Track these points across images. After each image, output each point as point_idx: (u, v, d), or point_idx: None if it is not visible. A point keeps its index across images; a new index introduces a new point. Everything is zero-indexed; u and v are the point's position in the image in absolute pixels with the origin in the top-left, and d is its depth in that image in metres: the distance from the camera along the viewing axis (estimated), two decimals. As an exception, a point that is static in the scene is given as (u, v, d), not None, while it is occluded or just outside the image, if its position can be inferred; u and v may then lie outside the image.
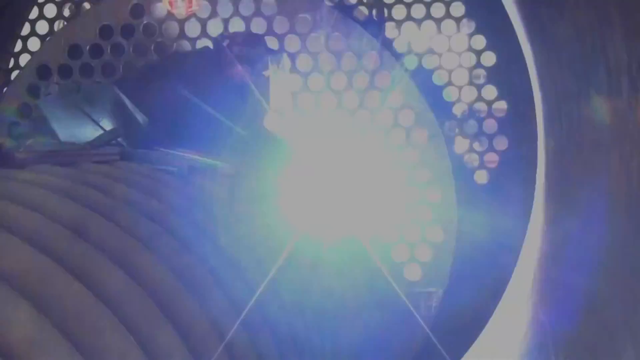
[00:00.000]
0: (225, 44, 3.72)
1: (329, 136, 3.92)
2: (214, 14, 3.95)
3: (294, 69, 3.84)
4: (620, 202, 2.06)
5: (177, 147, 2.79)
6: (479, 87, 4.03)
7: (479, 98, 4.03)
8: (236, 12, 3.94)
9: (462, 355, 3.76)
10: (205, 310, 1.82)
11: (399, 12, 4.03)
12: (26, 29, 4.32)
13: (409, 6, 4.02)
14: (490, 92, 4.04)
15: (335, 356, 2.88)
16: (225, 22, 3.96)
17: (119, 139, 2.90)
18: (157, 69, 3.70)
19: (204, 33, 3.98)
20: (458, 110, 4.06)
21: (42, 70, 4.12)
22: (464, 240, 3.85)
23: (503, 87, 3.90)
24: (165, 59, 3.95)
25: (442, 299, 3.85)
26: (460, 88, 4.00)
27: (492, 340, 3.57)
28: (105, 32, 4.05)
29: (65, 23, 4.30)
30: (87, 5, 4.27)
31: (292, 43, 3.90)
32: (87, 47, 4.06)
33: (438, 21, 4.01)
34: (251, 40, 3.90)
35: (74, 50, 4.07)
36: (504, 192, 3.89)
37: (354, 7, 4.11)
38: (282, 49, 3.88)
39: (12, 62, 4.38)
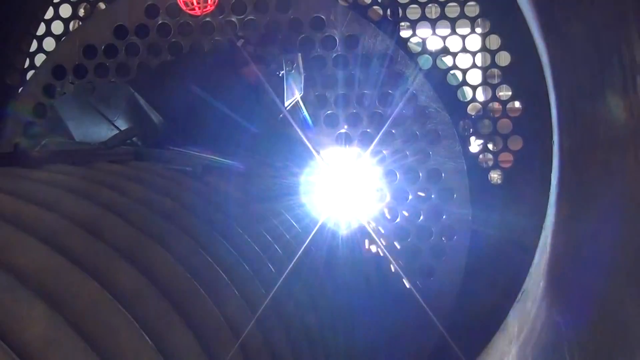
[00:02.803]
0: (239, 43, 3.73)
1: (343, 136, 3.92)
2: (228, 13, 3.96)
3: (307, 68, 3.83)
4: (636, 201, 2.05)
5: (191, 146, 2.80)
6: (494, 87, 4.02)
7: (494, 98, 4.02)
8: (251, 12, 3.95)
9: (476, 354, 3.75)
10: (220, 309, 1.82)
11: (413, 12, 4.03)
12: (41, 29, 4.35)
13: (423, 6, 4.02)
14: (505, 91, 4.03)
15: (349, 354, 2.89)
16: (240, 22, 3.96)
17: (134, 139, 2.91)
18: (172, 68, 3.71)
19: (218, 33, 3.98)
20: (472, 110, 4.05)
21: (57, 70, 4.14)
22: (478, 239, 3.84)
23: (518, 86, 3.89)
24: (179, 59, 3.96)
25: (457, 298, 3.84)
26: (474, 88, 3.99)
27: (506, 339, 3.56)
28: (120, 32, 4.07)
29: (80, 23, 4.31)
30: (102, 6, 4.29)
31: (307, 43, 3.90)
32: (102, 47, 4.08)
33: (452, 21, 4.01)
34: (265, 40, 3.91)
35: (89, 50, 4.09)
36: (518, 192, 3.88)
37: (368, 7, 4.11)
38: (296, 49, 3.88)
39: (27, 62, 4.40)
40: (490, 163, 4.05)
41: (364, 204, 3.86)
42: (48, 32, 4.34)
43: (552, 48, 3.14)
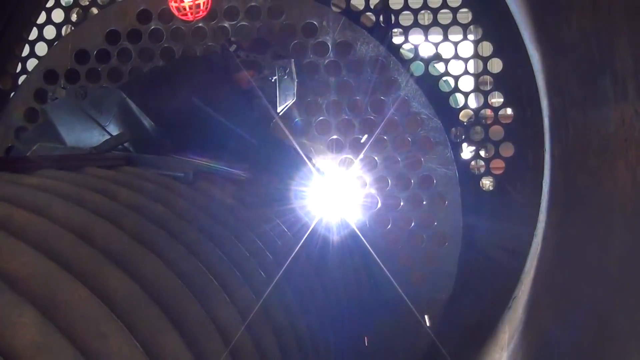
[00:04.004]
0: (232, 49, 3.72)
1: (335, 142, 3.91)
2: (220, 19, 3.96)
3: (300, 74, 3.82)
4: (626, 209, 2.06)
5: (183, 152, 2.79)
6: (486, 94, 4.03)
7: (486, 104, 4.02)
8: (243, 18, 3.95)
9: (467, 361, 3.75)
10: (211, 314, 1.82)
11: (406, 18, 4.04)
12: (34, 34, 4.35)
13: (416, 13, 4.03)
14: (497, 98, 4.04)
15: (340, 358, 2.88)
16: (233, 27, 3.96)
17: (125, 144, 2.90)
18: (164, 74, 3.70)
19: (211, 38, 3.98)
20: (464, 116, 4.05)
21: (49, 74, 4.14)
22: (470, 246, 3.84)
23: (509, 93, 3.90)
24: (172, 64, 3.96)
25: (447, 304, 3.84)
26: (466, 94, 4.00)
27: (497, 346, 3.56)
28: (112, 37, 4.06)
29: (72, 28, 4.31)
30: (94, 11, 4.29)
31: (299, 49, 3.90)
32: (94, 52, 4.08)
33: (445, 28, 4.01)
34: (258, 46, 3.90)
35: (81, 55, 4.09)
36: (509, 199, 3.88)
37: (361, 13, 4.11)
38: (289, 55, 3.88)
39: (19, 67, 4.40)
40: (482, 170, 4.05)
41: (356, 210, 3.86)
42: (40, 37, 4.34)
43: (544, 55, 3.15)
